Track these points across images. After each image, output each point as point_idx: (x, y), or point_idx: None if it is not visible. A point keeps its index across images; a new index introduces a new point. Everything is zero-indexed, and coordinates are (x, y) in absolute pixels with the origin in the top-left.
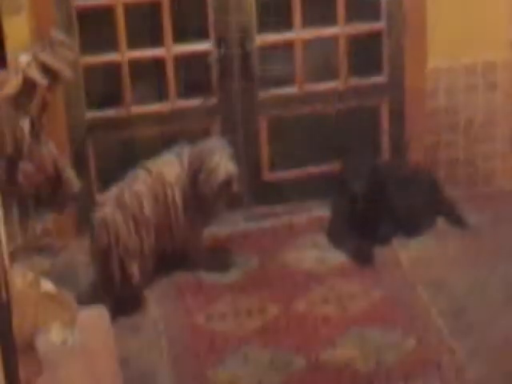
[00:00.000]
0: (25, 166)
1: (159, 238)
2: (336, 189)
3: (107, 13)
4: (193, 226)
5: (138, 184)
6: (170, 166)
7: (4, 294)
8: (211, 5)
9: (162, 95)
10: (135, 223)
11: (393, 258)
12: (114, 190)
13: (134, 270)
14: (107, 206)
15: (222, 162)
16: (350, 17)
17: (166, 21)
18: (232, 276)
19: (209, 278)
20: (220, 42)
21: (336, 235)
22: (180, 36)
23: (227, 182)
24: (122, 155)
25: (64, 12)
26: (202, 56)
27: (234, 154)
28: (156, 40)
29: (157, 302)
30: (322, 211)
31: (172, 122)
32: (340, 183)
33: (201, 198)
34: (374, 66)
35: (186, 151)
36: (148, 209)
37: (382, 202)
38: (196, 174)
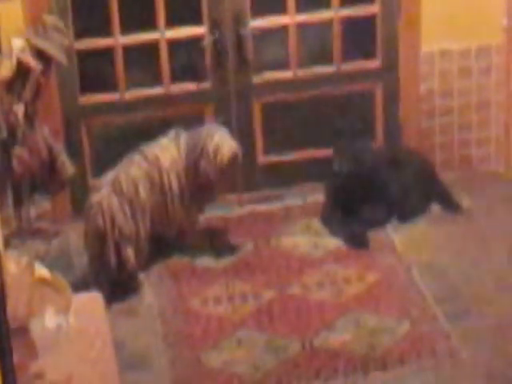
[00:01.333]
0: (19, 152)
1: (155, 223)
2: (328, 173)
3: None
4: (189, 211)
5: (134, 169)
6: (166, 151)
7: None
8: None
9: (155, 79)
10: (131, 208)
11: (387, 242)
12: (109, 175)
13: (130, 254)
14: (103, 190)
15: (224, 141)
16: (345, 1)
17: (159, 5)
18: (226, 260)
19: (203, 262)
20: (214, 26)
21: (330, 220)
22: (174, 20)
23: (233, 158)
24: (116, 140)
25: None
26: (196, 40)
27: None
28: (149, 25)
29: (152, 286)
30: (316, 195)
31: (166, 106)
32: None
33: (201, 183)
34: (368, 50)
35: (182, 136)
36: (144, 193)
37: (374, 185)
38: (196, 158)
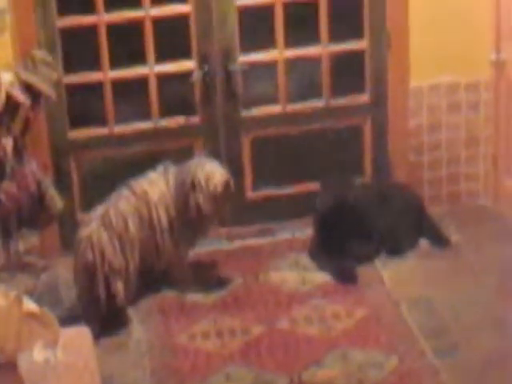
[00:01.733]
0: (7, 186)
1: (144, 257)
2: (317, 209)
3: (90, 32)
4: (178, 245)
5: (123, 203)
6: (155, 185)
7: None
8: (194, 24)
9: (145, 114)
10: (120, 242)
11: (376, 277)
12: (98, 210)
13: (119, 288)
14: (92, 224)
15: (215, 170)
16: (333, 36)
17: (148, 39)
18: (215, 295)
19: (192, 297)
20: (203, 61)
21: (318, 255)
22: (163, 55)
23: (226, 186)
24: (106, 174)
25: (47, 32)
26: (185, 75)
27: None
28: (139, 59)
29: (140, 321)
30: (305, 230)
31: (155, 140)
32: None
33: (192, 217)
34: (357, 85)
35: (171, 170)
36: (133, 228)
37: (362, 220)
38: (186, 191)
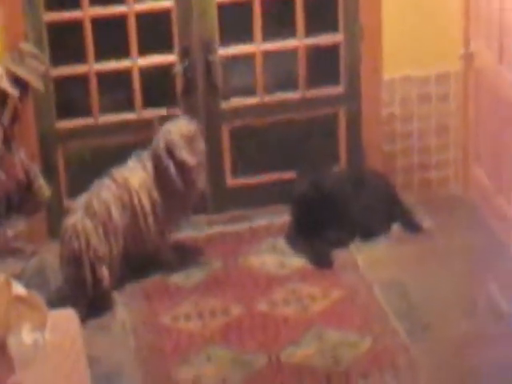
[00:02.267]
0: None
1: (128, 243)
2: (294, 196)
3: (76, 27)
4: (162, 229)
5: (105, 192)
6: (134, 172)
7: None
8: (175, 18)
9: (128, 105)
10: (104, 229)
11: (350, 260)
12: (82, 199)
13: (104, 273)
14: (77, 213)
15: (178, 124)
16: (309, 29)
17: (131, 33)
18: (196, 278)
19: (174, 280)
20: (183, 54)
21: (295, 240)
22: (145, 48)
23: (194, 133)
24: (91, 163)
25: (34, 26)
26: (167, 67)
27: None
28: (123, 52)
29: (125, 303)
30: (282, 216)
31: (138, 130)
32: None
33: (174, 189)
34: (332, 77)
35: (144, 155)
36: (116, 215)
37: (337, 207)
38: (165, 161)
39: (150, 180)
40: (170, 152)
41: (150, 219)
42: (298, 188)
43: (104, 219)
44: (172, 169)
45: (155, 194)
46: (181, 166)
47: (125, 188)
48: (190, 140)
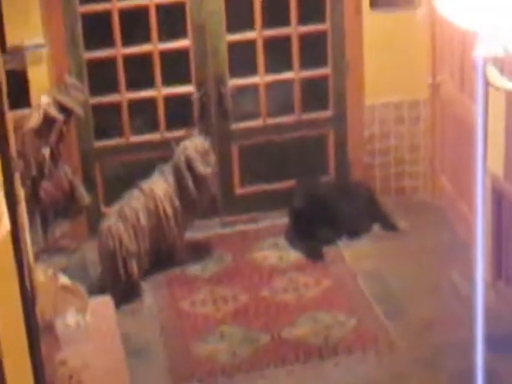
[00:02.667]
0: (46, 185)
1: (153, 242)
2: (291, 201)
3: (110, 63)
4: (182, 229)
5: (134, 201)
6: (158, 184)
7: (29, 287)
8: (193, 56)
9: (154, 127)
10: (134, 231)
11: (338, 255)
12: (115, 207)
13: (134, 267)
14: (111, 218)
15: (193, 142)
16: (303, 64)
17: (156, 68)
18: (210, 270)
19: (192, 271)
20: (200, 85)
21: (292, 238)
22: (168, 80)
23: (206, 147)
24: (123, 175)
25: (76, 62)
26: (186, 96)
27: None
28: (149, 83)
29: (151, 291)
30: (282, 219)
31: (162, 148)
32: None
33: (193, 195)
34: (322, 103)
35: (165, 169)
36: (143, 220)
37: (327, 211)
38: (184, 174)
39: (172, 190)
40: (189, 165)
41: (172, 222)
42: (296, 196)
43: (133, 223)
44: (190, 180)
45: (176, 202)
46: (197, 176)
47: (151, 197)
48: (203, 154)
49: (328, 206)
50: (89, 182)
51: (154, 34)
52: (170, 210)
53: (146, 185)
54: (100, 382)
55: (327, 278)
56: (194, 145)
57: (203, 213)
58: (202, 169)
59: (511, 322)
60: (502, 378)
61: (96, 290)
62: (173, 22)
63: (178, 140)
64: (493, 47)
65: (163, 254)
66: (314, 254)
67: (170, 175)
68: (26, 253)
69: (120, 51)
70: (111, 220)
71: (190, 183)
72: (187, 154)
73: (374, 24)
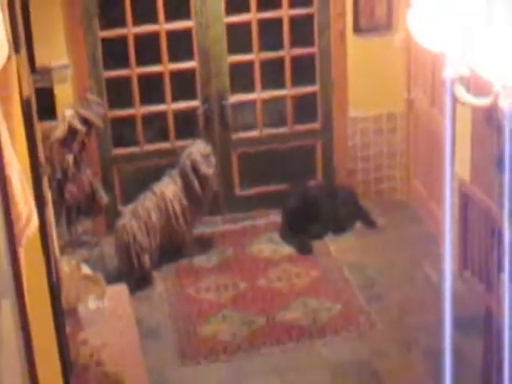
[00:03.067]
0: (70, 187)
1: (163, 238)
2: (284, 202)
3: (127, 81)
4: (189, 226)
5: (147, 202)
6: (168, 186)
7: (55, 276)
8: (198, 74)
9: (164, 137)
10: (146, 229)
11: (325, 249)
12: (130, 206)
13: (146, 260)
14: (126, 217)
15: (197, 147)
16: (295, 82)
17: (166, 86)
18: (214, 261)
19: (198, 262)
20: (204, 100)
21: (285, 234)
22: (176, 96)
23: (207, 152)
24: (138, 179)
25: (96, 80)
26: (192, 110)
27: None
28: (160, 99)
29: (162, 279)
30: (276, 217)
31: (171, 155)
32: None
33: (200, 194)
34: (311, 117)
35: (173, 173)
36: (154, 218)
37: (316, 210)
38: (190, 177)
39: (180, 191)
40: (194, 167)
41: (181, 220)
42: (289, 197)
43: (146, 221)
44: (195, 181)
45: (184, 201)
46: (201, 176)
47: (161, 198)
48: (206, 156)
49: (316, 206)
50: (107, 185)
51: (165, 56)
52: (178, 209)
53: (157, 187)
54: (117, 359)
55: (316, 268)
56: (197, 149)
57: (207, 211)
58: (206, 169)
59: (475, 307)
60: (466, 356)
61: (113, 279)
62: (181, 45)
63: (184, 147)
64: (460, 68)
65: (173, 248)
66: (304, 248)
67: (178, 178)
68: (53, 247)
69: (135, 71)
70: (126, 218)
71: (196, 184)
72: (192, 158)
73: (356, 47)
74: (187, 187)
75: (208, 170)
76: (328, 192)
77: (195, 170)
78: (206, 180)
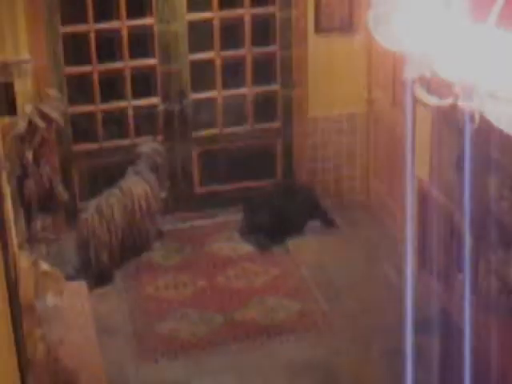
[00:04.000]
0: (29, 183)
1: (126, 235)
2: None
3: (87, 77)
4: (155, 223)
5: (112, 198)
6: (136, 183)
7: (14, 272)
8: (159, 72)
9: (124, 134)
10: (107, 225)
11: (284, 247)
12: (94, 201)
13: (105, 256)
14: (88, 211)
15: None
16: (255, 81)
17: (127, 82)
18: (173, 259)
19: (157, 260)
20: (165, 98)
21: (245, 232)
22: (137, 92)
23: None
24: (96, 176)
25: (57, 76)
26: (152, 107)
27: (173, 173)
28: (120, 95)
29: (121, 277)
30: (235, 215)
31: (131, 152)
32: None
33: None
34: (271, 115)
35: (140, 168)
36: (117, 216)
37: (275, 209)
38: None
39: (149, 188)
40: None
41: (146, 218)
42: (249, 198)
43: (108, 217)
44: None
45: (152, 199)
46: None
47: (129, 196)
48: (159, 152)
49: (275, 204)
50: (67, 181)
51: (126, 52)
52: (145, 207)
53: (125, 184)
54: (74, 356)
55: (274, 267)
56: (150, 146)
57: (167, 209)
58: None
59: (433, 307)
60: (424, 356)
61: (72, 275)
62: (142, 42)
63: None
64: (420, 69)
65: (137, 245)
66: (263, 247)
67: (150, 174)
68: (11, 243)
69: (96, 67)
70: (88, 213)
71: (164, 179)
72: (159, 151)
73: (317, 47)
74: (160, 182)
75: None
76: (287, 192)
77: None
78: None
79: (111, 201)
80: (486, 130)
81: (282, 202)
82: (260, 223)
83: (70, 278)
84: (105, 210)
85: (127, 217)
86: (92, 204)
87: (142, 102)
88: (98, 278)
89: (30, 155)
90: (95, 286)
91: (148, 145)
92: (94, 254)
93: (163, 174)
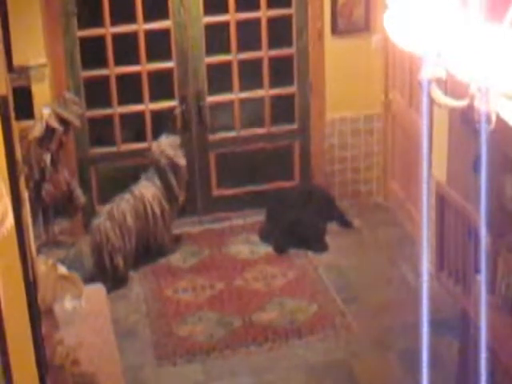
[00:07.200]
0: (47, 187)
1: (140, 239)
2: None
3: (105, 81)
4: (168, 227)
5: (123, 203)
6: (147, 188)
7: (32, 275)
8: (176, 74)
9: (142, 137)
10: (120, 230)
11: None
12: (106, 207)
13: (120, 261)
14: (101, 218)
15: (164, 141)
16: (273, 83)
17: (144, 85)
18: (191, 262)
19: (175, 263)
20: (182, 100)
21: (266, 235)
22: (155, 95)
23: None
24: (115, 178)
25: (74, 80)
26: (170, 110)
27: (191, 176)
28: (138, 99)
29: (139, 280)
30: (253, 218)
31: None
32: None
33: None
34: (289, 118)
35: (150, 173)
36: (130, 220)
37: (294, 212)
38: (168, 174)
39: (159, 192)
40: (171, 163)
41: (160, 222)
42: (271, 202)
43: (120, 222)
44: (172, 178)
45: (164, 203)
46: (177, 168)
47: (141, 200)
48: (177, 148)
49: (296, 207)
50: (85, 185)
51: (143, 55)
52: (158, 211)
53: (136, 189)
54: (93, 359)
55: (292, 269)
56: (166, 143)
57: (184, 211)
58: (181, 161)
59: (451, 308)
60: (442, 357)
61: (90, 278)
62: (159, 45)
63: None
64: (436, 70)
65: (153, 249)
66: (281, 249)
67: (156, 179)
68: (29, 246)
69: (113, 70)
70: (101, 219)
71: (174, 180)
72: (167, 154)
73: (334, 48)
74: (166, 185)
75: (182, 160)
76: (305, 194)
77: (172, 165)
78: (179, 171)
79: (123, 206)
80: (502, 131)
81: (300, 205)
82: (279, 226)
83: (87, 281)
84: (117, 216)
85: (140, 221)
86: (104, 209)
87: (160, 105)
88: (114, 281)
89: (47, 159)
90: (112, 289)
91: (162, 142)
92: (108, 259)
93: (182, 176)
